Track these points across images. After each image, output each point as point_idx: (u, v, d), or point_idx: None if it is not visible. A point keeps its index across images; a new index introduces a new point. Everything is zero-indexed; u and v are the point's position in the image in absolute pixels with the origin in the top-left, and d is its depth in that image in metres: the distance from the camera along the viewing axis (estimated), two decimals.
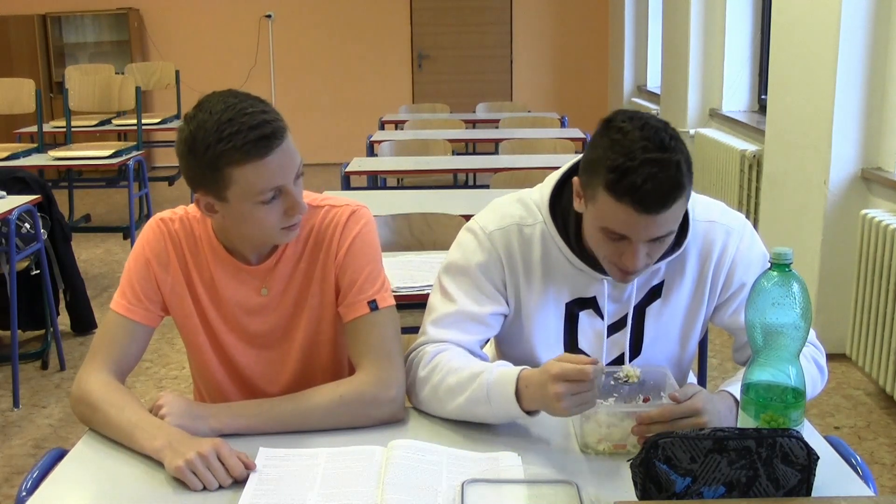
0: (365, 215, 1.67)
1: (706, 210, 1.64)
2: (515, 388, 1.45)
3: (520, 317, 1.66)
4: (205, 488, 1.34)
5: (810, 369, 1.58)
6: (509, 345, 1.71)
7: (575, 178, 1.52)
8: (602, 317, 1.64)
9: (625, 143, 1.39)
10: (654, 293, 1.64)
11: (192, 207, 1.66)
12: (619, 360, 1.66)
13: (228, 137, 1.42)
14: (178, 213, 1.67)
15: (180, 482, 1.35)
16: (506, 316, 1.67)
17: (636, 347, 1.66)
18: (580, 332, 1.65)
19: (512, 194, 1.70)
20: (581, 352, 1.65)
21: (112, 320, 1.63)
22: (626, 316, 1.64)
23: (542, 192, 1.64)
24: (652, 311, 1.64)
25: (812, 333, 1.60)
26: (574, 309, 1.64)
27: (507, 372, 1.49)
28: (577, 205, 1.52)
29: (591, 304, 1.63)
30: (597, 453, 1.43)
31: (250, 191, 1.47)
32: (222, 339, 1.68)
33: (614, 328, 1.66)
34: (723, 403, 1.44)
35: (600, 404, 1.42)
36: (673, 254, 1.59)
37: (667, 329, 1.66)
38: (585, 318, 1.65)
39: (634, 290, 1.62)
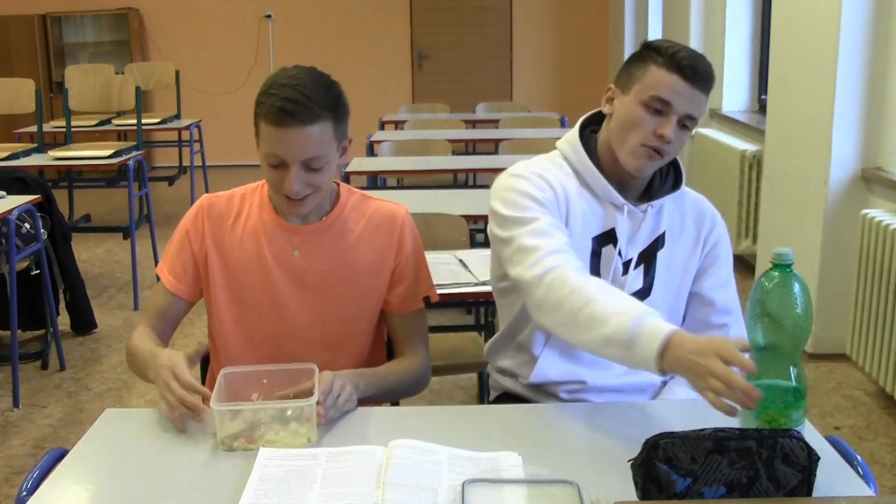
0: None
1: (691, 190, 1.89)
2: (663, 346, 1.42)
3: None
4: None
5: None
6: None
7: (607, 87, 1.78)
8: (620, 255, 1.78)
9: (674, 42, 1.71)
10: (659, 241, 1.81)
11: (242, 187, 1.84)
12: (634, 296, 1.70)
13: (267, 95, 1.62)
14: (231, 191, 1.84)
15: (180, 482, 1.35)
16: None
17: (647, 290, 1.80)
18: (602, 266, 1.78)
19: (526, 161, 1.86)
20: None
21: (158, 289, 1.83)
22: (637, 256, 1.80)
23: (566, 137, 1.85)
24: (662, 256, 1.81)
25: (738, 327, 1.80)
26: (596, 245, 1.78)
27: (659, 327, 1.45)
28: (606, 108, 1.78)
29: (612, 239, 1.78)
30: (231, 450, 1.45)
31: (263, 144, 1.66)
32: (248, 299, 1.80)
33: (628, 267, 1.80)
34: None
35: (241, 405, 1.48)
36: (674, 191, 1.81)
37: (668, 277, 1.81)
38: (607, 254, 1.78)
39: (648, 228, 1.79)
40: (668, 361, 1.42)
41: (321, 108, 1.62)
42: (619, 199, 1.77)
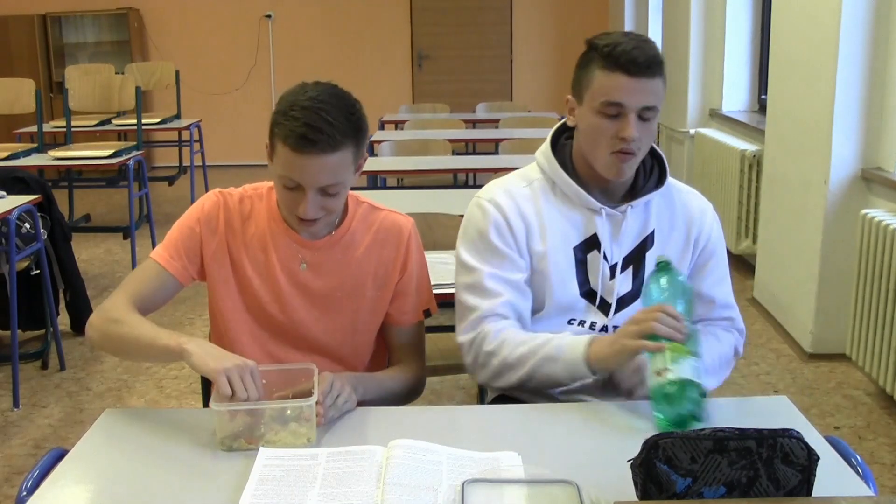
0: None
1: (683, 185, 1.88)
2: (588, 343, 1.63)
3: (537, 270, 1.78)
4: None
5: (723, 350, 1.81)
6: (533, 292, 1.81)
7: (566, 99, 1.77)
8: (606, 259, 1.77)
9: (613, 35, 1.67)
10: (647, 241, 1.79)
11: (250, 186, 1.80)
12: (625, 299, 1.78)
13: (287, 116, 1.57)
14: (241, 190, 1.80)
15: (179, 482, 1.36)
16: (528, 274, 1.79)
17: (636, 292, 1.79)
18: (590, 272, 1.77)
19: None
20: (594, 292, 1.79)
21: (148, 266, 1.74)
22: (624, 259, 1.78)
23: (540, 150, 1.84)
24: (651, 257, 1.78)
25: (739, 319, 1.87)
26: (581, 253, 1.78)
27: (581, 335, 1.68)
28: (571, 120, 1.77)
29: (595, 244, 1.76)
30: (231, 450, 1.45)
31: (278, 165, 1.62)
32: (257, 303, 1.78)
33: (615, 271, 1.79)
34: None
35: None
36: (658, 188, 1.78)
37: None
38: (592, 259, 1.77)
39: (635, 229, 1.78)
40: (593, 351, 1.62)
41: (343, 136, 1.58)
42: (595, 203, 1.76)
